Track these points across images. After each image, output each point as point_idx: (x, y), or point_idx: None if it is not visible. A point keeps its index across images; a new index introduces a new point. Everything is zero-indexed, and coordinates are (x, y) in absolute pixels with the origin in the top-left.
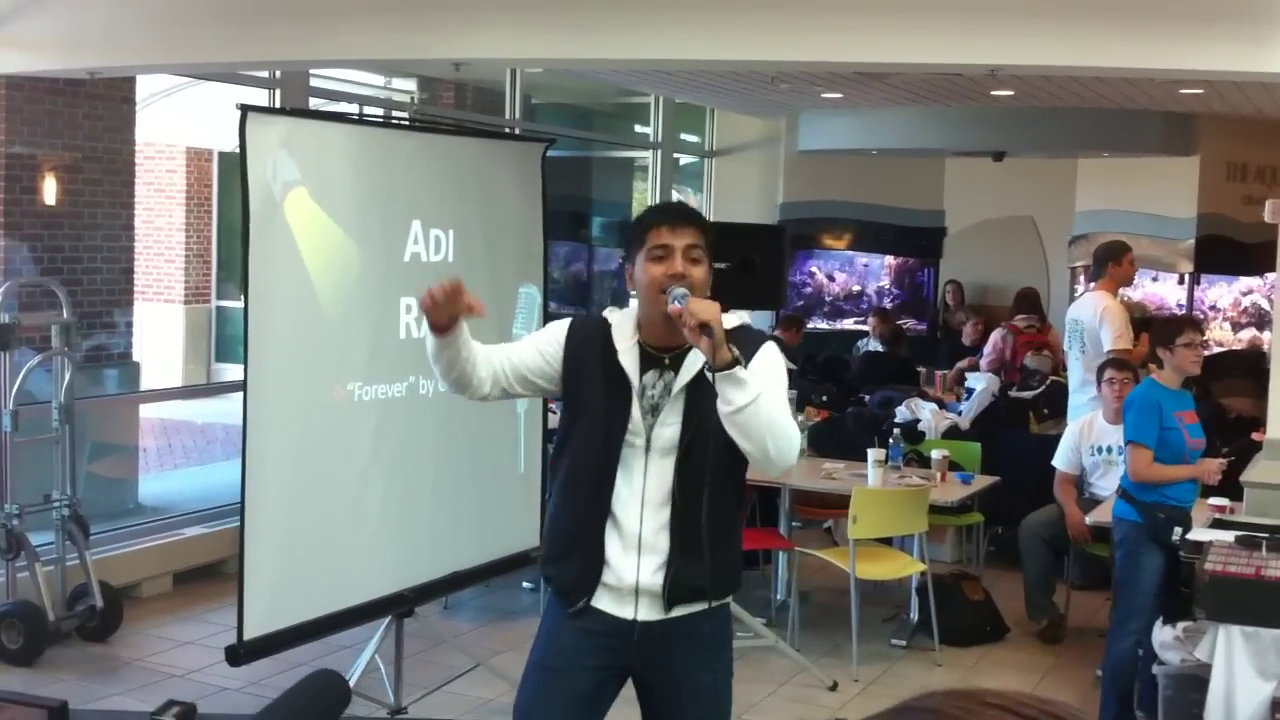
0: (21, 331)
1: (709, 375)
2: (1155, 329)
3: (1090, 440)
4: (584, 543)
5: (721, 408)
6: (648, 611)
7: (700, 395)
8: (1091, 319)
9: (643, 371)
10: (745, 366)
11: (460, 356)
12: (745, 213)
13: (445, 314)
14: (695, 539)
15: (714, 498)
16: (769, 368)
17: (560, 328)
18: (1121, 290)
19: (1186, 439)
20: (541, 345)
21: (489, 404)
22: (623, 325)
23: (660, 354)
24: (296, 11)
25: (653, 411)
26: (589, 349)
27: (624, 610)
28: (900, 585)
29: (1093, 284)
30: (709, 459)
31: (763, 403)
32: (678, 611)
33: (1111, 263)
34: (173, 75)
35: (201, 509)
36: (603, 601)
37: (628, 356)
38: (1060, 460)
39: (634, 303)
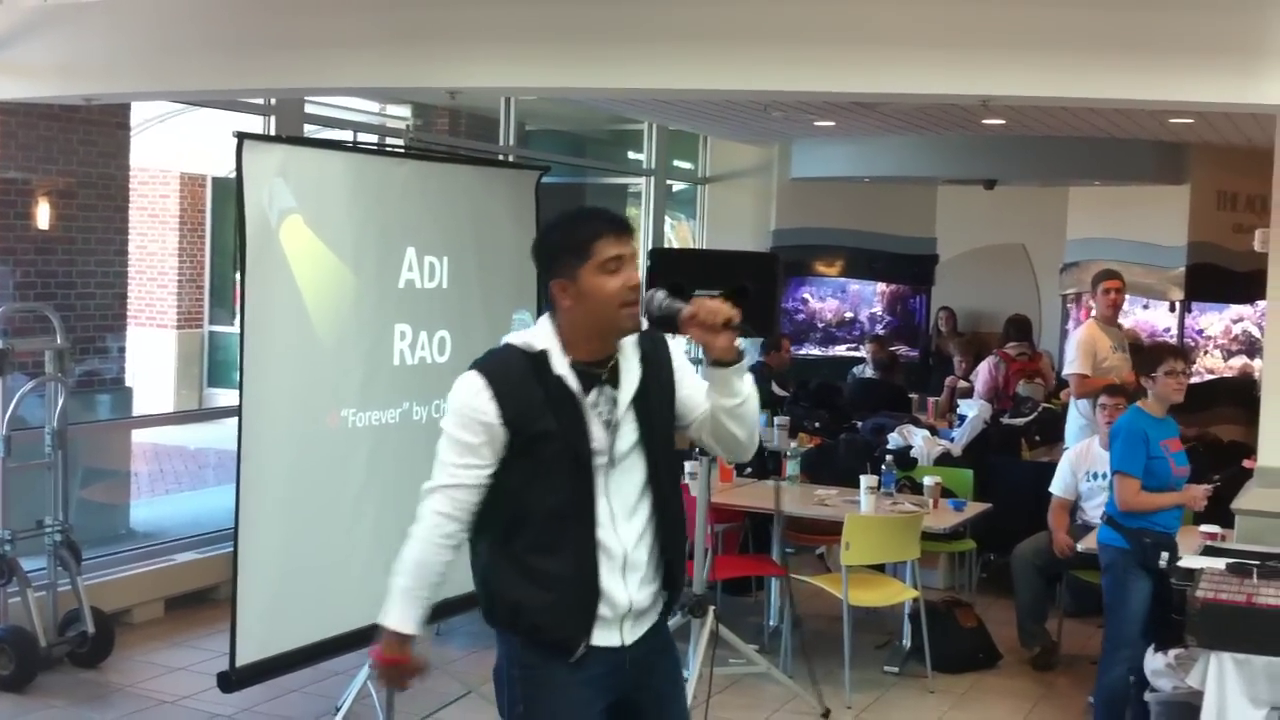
0: (15, 356)
1: (711, 370)
2: (1138, 357)
3: (1086, 466)
4: (579, 581)
5: (725, 401)
6: (632, 632)
7: (647, 402)
8: None
9: (585, 391)
10: (671, 357)
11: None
12: (738, 239)
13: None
14: (678, 544)
15: (676, 500)
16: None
17: (480, 397)
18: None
19: (1173, 467)
20: (478, 442)
21: None
22: (551, 348)
23: (595, 370)
24: (293, 41)
25: (608, 427)
26: (524, 389)
27: (612, 638)
28: (893, 612)
29: None
30: (669, 465)
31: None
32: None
33: (1090, 293)
34: (169, 102)
35: (193, 534)
36: (595, 637)
37: (570, 379)
38: (1057, 486)
39: (543, 322)
